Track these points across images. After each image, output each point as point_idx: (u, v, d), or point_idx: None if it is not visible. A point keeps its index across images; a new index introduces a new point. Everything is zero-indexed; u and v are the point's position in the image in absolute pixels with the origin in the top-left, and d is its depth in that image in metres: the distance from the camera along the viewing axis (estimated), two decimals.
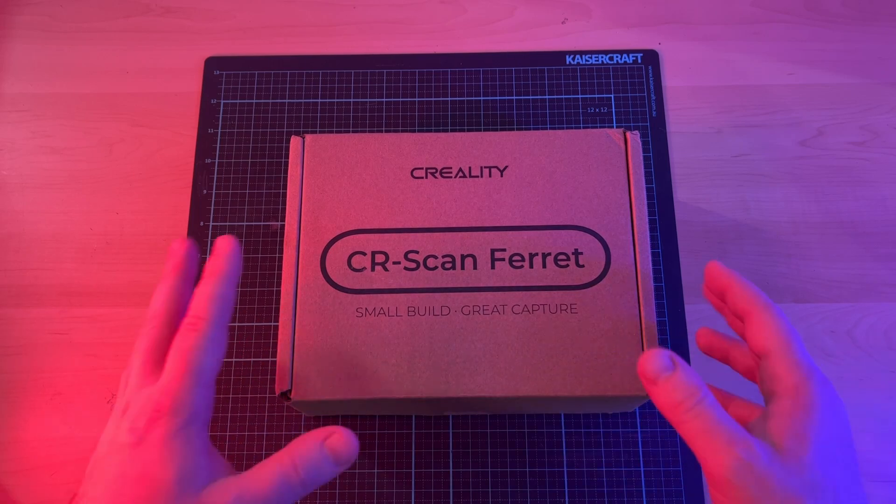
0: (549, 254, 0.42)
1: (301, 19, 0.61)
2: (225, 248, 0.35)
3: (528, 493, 0.47)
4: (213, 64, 0.59)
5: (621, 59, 0.59)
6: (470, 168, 0.44)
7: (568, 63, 0.59)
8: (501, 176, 0.44)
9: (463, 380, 0.39)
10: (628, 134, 0.44)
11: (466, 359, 0.40)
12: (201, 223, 0.54)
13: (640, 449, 0.48)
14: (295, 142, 0.44)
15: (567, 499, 0.47)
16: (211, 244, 0.53)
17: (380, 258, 0.42)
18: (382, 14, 0.61)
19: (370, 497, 0.48)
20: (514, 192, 0.43)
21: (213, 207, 0.55)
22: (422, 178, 0.43)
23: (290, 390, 0.39)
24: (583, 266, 0.41)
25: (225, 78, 0.58)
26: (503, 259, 0.42)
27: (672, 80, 0.58)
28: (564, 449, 0.48)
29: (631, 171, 0.43)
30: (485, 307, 0.41)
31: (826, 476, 0.29)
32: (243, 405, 0.50)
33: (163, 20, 0.61)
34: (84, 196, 0.55)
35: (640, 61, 0.59)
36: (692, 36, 0.60)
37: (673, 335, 0.51)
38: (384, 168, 0.44)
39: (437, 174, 0.44)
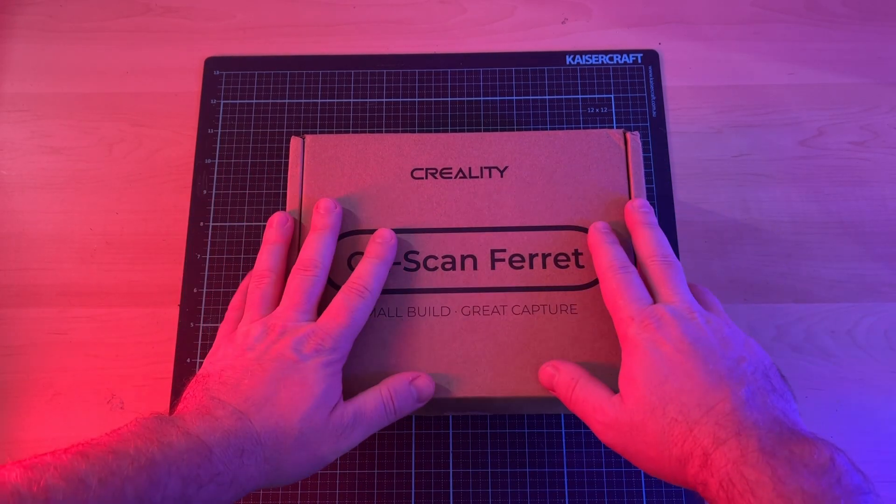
0: (549, 254, 0.42)
1: (301, 19, 0.61)
2: (389, 239, 0.41)
3: (528, 494, 0.47)
4: (212, 64, 0.59)
5: (621, 59, 0.59)
6: (470, 168, 0.44)
7: (568, 63, 0.59)
8: (501, 176, 0.44)
9: (463, 381, 0.40)
10: (628, 134, 0.44)
11: (466, 360, 0.40)
12: (201, 223, 0.54)
13: None
14: (295, 142, 0.45)
15: (567, 499, 0.47)
16: (211, 244, 0.53)
17: None
18: (382, 14, 0.61)
19: (370, 497, 0.48)
20: (514, 193, 0.43)
21: (212, 207, 0.54)
22: (422, 178, 0.44)
23: None
24: (583, 266, 0.42)
25: (225, 78, 0.58)
26: (503, 259, 0.42)
27: (672, 80, 0.58)
28: (564, 449, 0.48)
29: (631, 172, 0.43)
30: (485, 308, 0.41)
31: (654, 398, 0.35)
32: None
33: (163, 20, 0.61)
34: (84, 196, 0.55)
35: (640, 61, 0.59)
36: (692, 36, 0.60)
37: None
38: (384, 169, 0.44)
39: (438, 174, 0.44)
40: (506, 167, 0.44)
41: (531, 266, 0.42)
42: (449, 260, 0.42)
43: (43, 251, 0.54)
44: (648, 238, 0.41)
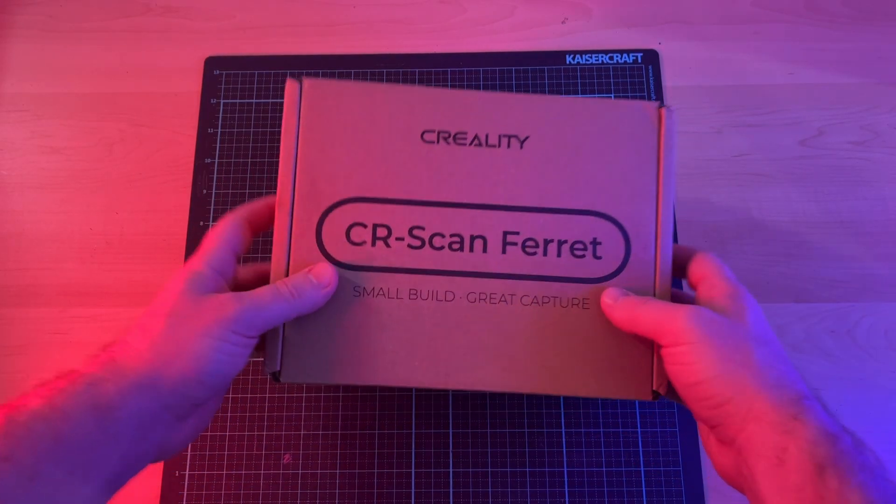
0: (566, 241, 0.39)
1: (301, 19, 0.61)
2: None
3: (528, 494, 0.47)
4: (212, 64, 0.59)
5: (621, 58, 0.59)
6: (487, 135, 0.39)
7: (568, 63, 0.59)
8: (521, 147, 0.39)
9: (462, 373, 0.38)
10: (663, 111, 0.40)
11: (468, 350, 0.38)
12: (201, 223, 0.54)
13: (641, 449, 0.48)
14: (291, 87, 0.39)
15: (567, 499, 0.47)
16: None
17: (381, 232, 0.39)
18: (382, 14, 0.61)
19: (370, 497, 0.48)
20: (533, 168, 0.39)
21: (212, 207, 0.54)
22: (433, 142, 0.39)
23: (279, 372, 0.37)
24: (600, 258, 0.39)
25: (225, 78, 0.58)
26: (516, 244, 0.39)
27: (672, 79, 0.58)
28: (565, 449, 0.48)
29: (662, 155, 0.39)
30: (492, 295, 0.38)
31: (764, 334, 0.34)
32: (243, 405, 0.50)
33: (163, 20, 0.61)
34: (84, 196, 0.55)
35: (640, 61, 0.59)
36: (692, 35, 0.60)
37: None
38: (391, 127, 0.39)
39: (451, 139, 0.39)
40: (527, 137, 0.39)
41: (545, 253, 0.39)
42: (457, 240, 0.39)
43: (43, 251, 0.54)
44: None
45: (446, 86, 0.58)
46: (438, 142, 0.39)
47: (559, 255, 0.39)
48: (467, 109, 0.40)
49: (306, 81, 0.39)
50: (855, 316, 0.52)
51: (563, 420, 0.49)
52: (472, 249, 0.39)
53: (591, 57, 0.59)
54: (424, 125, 0.39)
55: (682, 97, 0.58)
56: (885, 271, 0.53)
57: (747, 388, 0.32)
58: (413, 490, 0.48)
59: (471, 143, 0.39)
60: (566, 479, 0.48)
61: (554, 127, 0.40)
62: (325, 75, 0.58)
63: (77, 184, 0.56)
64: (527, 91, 0.58)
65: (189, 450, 0.49)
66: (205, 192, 0.55)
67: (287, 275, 0.38)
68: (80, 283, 0.53)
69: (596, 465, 0.48)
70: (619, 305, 0.37)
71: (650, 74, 0.58)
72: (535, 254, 0.39)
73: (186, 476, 0.48)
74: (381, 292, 0.38)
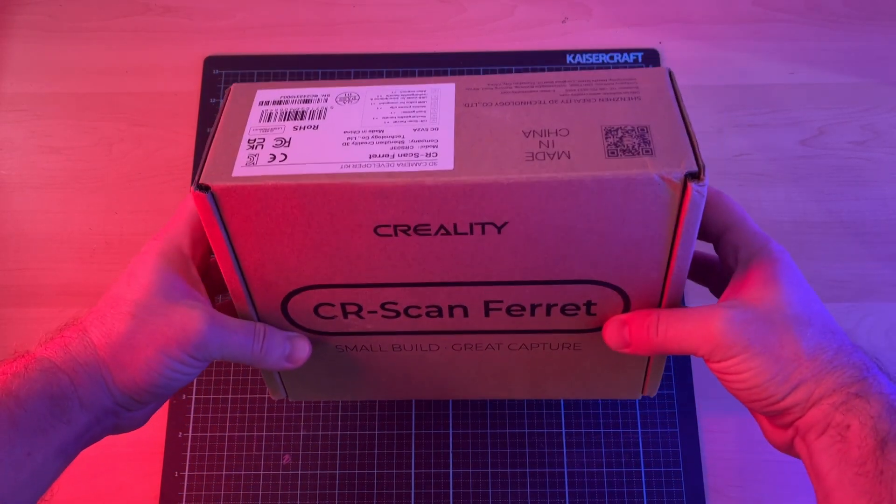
0: (556, 304, 0.34)
1: (301, 18, 0.61)
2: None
3: (528, 494, 0.47)
4: (212, 63, 0.59)
5: (622, 58, 0.59)
6: (455, 225, 0.30)
7: (568, 62, 0.59)
8: (499, 233, 0.30)
9: (459, 391, 0.39)
10: (691, 184, 0.29)
11: (463, 378, 0.38)
12: None
13: (641, 449, 0.48)
14: (199, 198, 0.29)
15: (567, 499, 0.47)
16: None
17: (352, 308, 0.34)
18: (382, 13, 0.61)
19: (370, 497, 0.48)
20: (515, 251, 0.31)
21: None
22: (389, 235, 0.31)
23: (286, 396, 0.41)
24: (594, 315, 0.34)
25: (224, 77, 0.58)
26: (499, 309, 0.34)
27: None
28: (565, 449, 0.48)
29: (681, 229, 0.30)
30: (478, 345, 0.36)
31: (803, 309, 0.31)
32: (243, 405, 0.50)
33: (162, 19, 0.61)
34: (84, 196, 0.55)
35: (640, 61, 0.58)
36: (693, 35, 0.60)
37: None
38: (336, 227, 0.31)
39: (411, 232, 0.31)
40: (504, 223, 0.30)
41: (532, 314, 0.34)
42: (434, 309, 0.34)
43: (43, 251, 0.54)
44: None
45: None
46: (396, 234, 0.31)
47: (548, 314, 0.34)
48: (427, 203, 0.29)
49: (215, 188, 0.29)
50: (856, 316, 0.52)
51: (563, 421, 0.49)
52: (451, 315, 0.34)
53: (591, 56, 0.59)
54: (375, 221, 0.30)
55: (682, 96, 0.57)
56: (886, 271, 0.53)
57: (804, 383, 0.30)
58: (413, 491, 0.48)
59: (436, 234, 0.31)
60: (566, 480, 0.48)
61: (540, 212, 0.30)
62: (324, 75, 0.58)
63: (77, 184, 0.56)
64: None
65: (189, 450, 0.49)
66: None
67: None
68: (79, 283, 0.53)
69: (596, 465, 0.48)
70: (634, 342, 0.34)
71: None
72: (521, 316, 0.34)
73: (186, 476, 0.48)
74: (364, 348, 0.37)
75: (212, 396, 0.50)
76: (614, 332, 0.34)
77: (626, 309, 0.34)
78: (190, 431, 0.49)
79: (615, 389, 0.38)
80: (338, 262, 0.32)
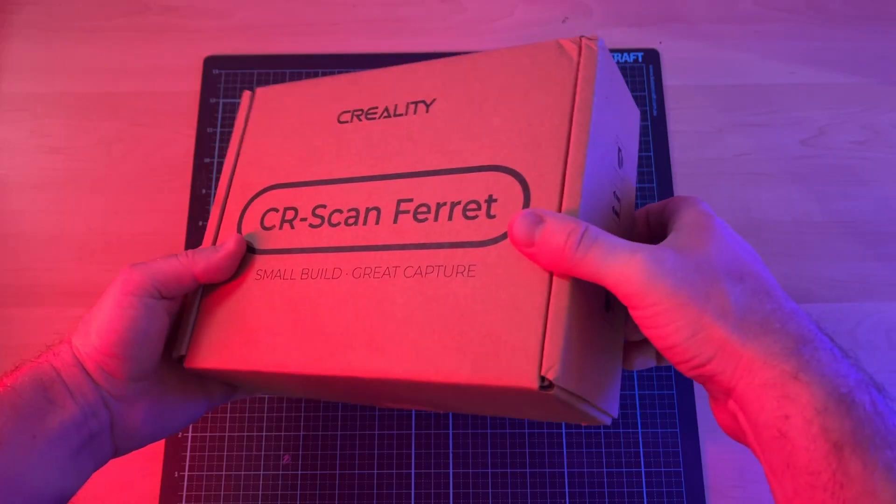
0: (459, 203, 0.34)
1: (301, 18, 0.61)
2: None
3: (528, 494, 0.47)
4: (212, 63, 0.59)
5: (622, 57, 0.58)
6: (396, 106, 0.39)
7: None
8: (427, 111, 0.38)
9: (336, 357, 0.33)
10: (583, 39, 0.34)
11: (346, 332, 0.34)
12: (200, 223, 0.54)
13: (641, 450, 0.48)
14: (245, 97, 0.44)
15: (567, 500, 0.47)
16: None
17: (289, 214, 0.39)
18: (382, 13, 0.61)
19: (370, 497, 0.48)
20: (437, 129, 0.37)
21: (212, 207, 0.54)
22: (347, 122, 0.40)
23: (183, 356, 0.38)
24: (493, 216, 0.33)
25: (224, 77, 0.58)
26: (408, 211, 0.35)
27: (673, 79, 0.58)
28: (565, 450, 0.48)
29: (578, 90, 0.33)
30: (377, 269, 0.35)
31: (738, 264, 0.28)
32: (243, 405, 0.50)
33: (162, 19, 0.61)
34: (84, 196, 0.55)
35: (640, 60, 0.58)
36: (693, 35, 0.60)
37: None
38: (314, 117, 0.41)
39: (363, 116, 0.40)
40: (433, 100, 0.38)
41: (436, 218, 0.34)
42: (353, 214, 0.37)
43: (43, 251, 0.54)
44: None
45: None
46: (352, 120, 0.40)
47: (450, 218, 0.34)
48: (380, 85, 0.40)
49: (259, 90, 0.43)
50: (856, 316, 0.52)
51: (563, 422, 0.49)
52: (365, 222, 0.37)
53: None
54: (342, 107, 0.40)
55: (682, 96, 0.58)
56: (886, 271, 0.53)
57: (727, 344, 0.26)
58: (413, 491, 0.48)
59: (381, 117, 0.39)
60: (566, 480, 0.48)
61: (462, 85, 0.37)
62: (324, 75, 0.58)
63: (77, 184, 0.56)
64: None
65: (189, 450, 0.49)
66: (204, 191, 0.55)
67: None
68: (79, 283, 0.53)
69: (596, 465, 0.48)
70: (541, 245, 0.29)
71: (650, 74, 0.58)
72: (425, 220, 0.35)
73: (186, 476, 0.48)
74: (278, 274, 0.37)
75: None
76: (525, 223, 0.29)
77: (526, 205, 0.32)
78: (190, 431, 0.49)
79: (505, 360, 0.30)
80: (301, 154, 0.40)
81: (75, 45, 0.60)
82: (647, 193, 0.54)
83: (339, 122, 0.40)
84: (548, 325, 0.29)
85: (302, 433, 0.49)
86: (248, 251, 0.39)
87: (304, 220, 0.38)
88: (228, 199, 0.41)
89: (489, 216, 0.33)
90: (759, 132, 0.56)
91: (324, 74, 0.58)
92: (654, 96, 0.57)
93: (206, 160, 0.56)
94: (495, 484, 0.48)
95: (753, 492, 0.47)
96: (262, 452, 0.48)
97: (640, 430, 0.49)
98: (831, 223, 0.54)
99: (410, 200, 0.36)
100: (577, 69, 0.34)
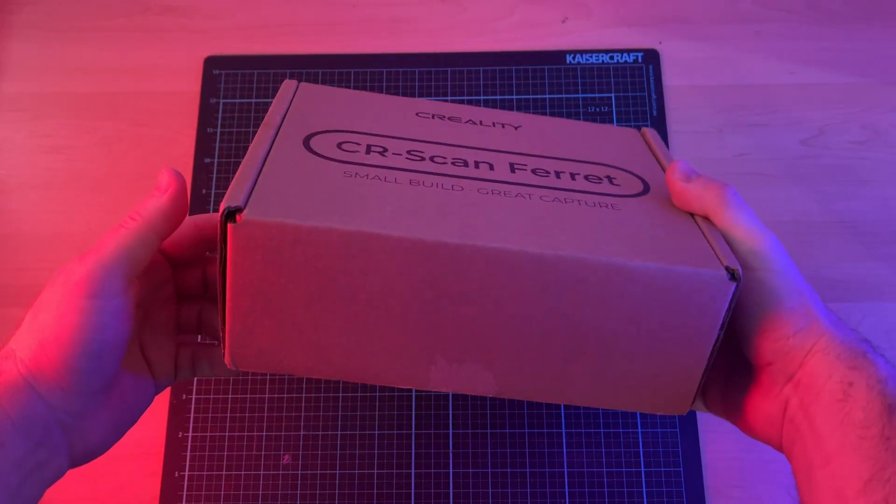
0: (578, 173, 0.35)
1: (301, 18, 0.61)
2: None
3: (528, 494, 0.47)
4: (212, 63, 0.59)
5: (622, 58, 0.59)
6: (481, 120, 0.40)
7: (568, 62, 0.59)
8: (516, 129, 0.40)
9: (482, 231, 0.28)
10: (646, 130, 0.43)
11: (485, 223, 0.28)
12: None
13: (641, 449, 0.48)
14: (287, 84, 0.39)
15: (567, 499, 0.47)
16: None
17: (377, 149, 0.33)
18: (382, 13, 0.61)
19: (370, 497, 0.48)
20: (531, 140, 0.39)
21: (212, 207, 0.54)
22: (427, 117, 0.39)
23: (241, 207, 0.26)
24: (618, 185, 0.35)
25: (224, 77, 0.58)
26: (525, 167, 0.34)
27: (673, 79, 0.58)
28: (565, 449, 0.48)
29: (658, 154, 0.41)
30: (507, 191, 0.31)
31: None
32: (243, 405, 0.50)
33: (162, 19, 0.61)
34: (84, 196, 0.55)
35: (640, 60, 0.58)
36: (693, 35, 0.60)
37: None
38: (385, 111, 0.39)
39: (445, 119, 0.39)
40: (520, 125, 0.40)
41: (558, 177, 0.34)
42: (460, 160, 0.34)
43: (43, 251, 0.54)
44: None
45: (446, 85, 0.58)
46: (433, 118, 0.39)
47: (573, 179, 0.34)
48: (457, 111, 0.41)
49: (303, 84, 0.40)
50: (856, 316, 0.52)
51: (563, 421, 0.49)
52: (478, 167, 0.33)
53: (591, 56, 0.59)
54: (416, 109, 0.40)
55: (682, 96, 0.58)
56: (886, 271, 0.53)
57: (818, 322, 0.30)
58: (413, 491, 0.48)
59: (465, 122, 0.39)
60: (566, 480, 0.48)
61: (544, 123, 0.42)
62: (325, 75, 0.58)
63: (77, 184, 0.56)
64: (527, 91, 0.57)
65: (189, 450, 0.49)
66: (204, 191, 0.55)
67: (262, 166, 0.30)
68: None
69: (596, 465, 0.48)
70: (699, 183, 0.33)
71: (650, 74, 0.58)
72: (546, 177, 0.34)
73: (186, 476, 0.48)
74: (376, 177, 0.31)
75: (212, 396, 0.50)
76: (685, 166, 0.34)
77: (646, 185, 0.36)
78: (190, 431, 0.49)
79: (681, 252, 0.29)
80: (377, 123, 0.36)
81: (75, 45, 0.60)
82: None
83: (418, 115, 0.39)
84: (709, 238, 0.31)
85: (302, 433, 0.49)
86: (325, 158, 0.31)
87: (397, 154, 0.33)
88: (283, 125, 0.34)
89: (613, 184, 0.35)
90: (759, 132, 0.56)
91: (324, 74, 0.58)
92: (654, 96, 0.57)
93: (207, 160, 0.56)
94: (495, 484, 0.48)
95: (753, 492, 0.47)
96: (262, 452, 0.48)
97: (640, 430, 0.49)
98: (831, 223, 0.54)
99: (524, 166, 0.35)
100: (652, 148, 0.41)
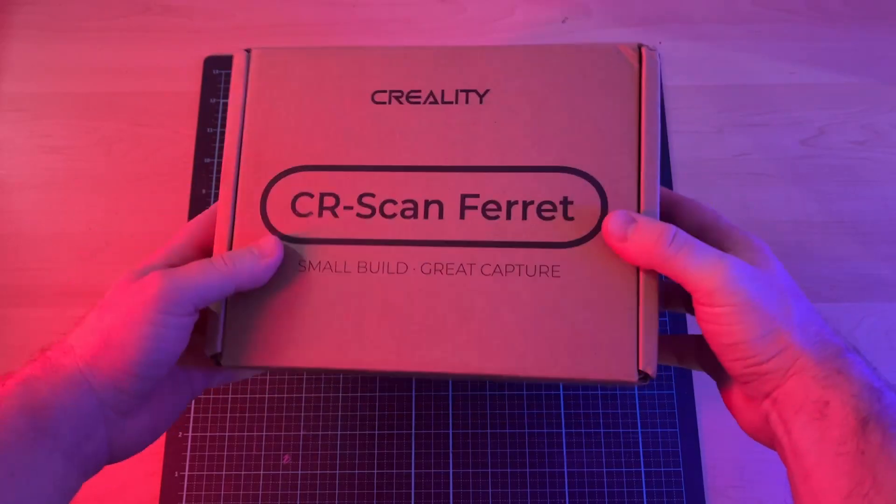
0: (532, 202, 0.34)
1: (301, 19, 0.61)
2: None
3: (528, 494, 0.47)
4: (212, 63, 0.59)
5: None
6: (443, 92, 0.36)
7: None
8: (480, 102, 0.36)
9: (417, 353, 0.33)
10: (644, 49, 0.35)
11: (423, 328, 0.34)
12: None
13: (641, 449, 0.48)
14: (238, 58, 0.37)
15: (567, 499, 0.47)
16: None
17: (329, 201, 0.36)
18: (382, 13, 0.61)
19: (370, 497, 0.48)
20: (494, 124, 0.35)
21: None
22: (384, 103, 0.36)
23: (220, 354, 0.34)
24: (572, 219, 0.34)
25: (224, 77, 0.58)
26: (475, 207, 0.35)
27: (672, 79, 0.58)
28: (565, 449, 0.48)
29: (644, 99, 0.35)
30: (449, 266, 0.34)
31: (794, 286, 0.33)
32: (243, 405, 0.50)
33: (162, 19, 0.61)
34: (84, 196, 0.55)
35: None
36: (693, 35, 0.60)
37: (673, 329, 0.51)
38: (340, 91, 0.37)
39: (403, 98, 0.36)
40: (486, 91, 0.36)
41: (508, 217, 0.34)
42: (410, 206, 0.35)
43: (43, 251, 0.54)
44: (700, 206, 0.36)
45: None
46: (390, 102, 0.36)
47: (524, 217, 0.34)
48: (421, 65, 0.37)
49: (254, 52, 0.38)
50: (855, 316, 0.52)
51: (563, 421, 0.49)
52: (426, 216, 0.35)
53: None
54: (375, 86, 0.37)
55: (682, 97, 0.58)
56: (886, 271, 0.53)
57: (791, 346, 0.30)
58: (413, 491, 0.48)
59: (425, 102, 0.36)
60: (566, 480, 0.48)
61: (517, 78, 0.36)
62: None
63: (77, 184, 0.56)
64: None
65: (189, 450, 0.49)
66: (204, 191, 0.55)
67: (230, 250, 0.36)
68: (79, 283, 0.53)
69: (596, 465, 0.48)
70: (634, 240, 0.32)
71: None
72: (496, 218, 0.34)
73: (186, 476, 0.48)
74: (327, 266, 0.35)
75: (212, 396, 0.50)
76: (621, 220, 0.32)
77: (604, 208, 0.34)
78: (190, 431, 0.49)
79: (603, 355, 0.32)
80: (331, 134, 0.36)
81: (75, 45, 0.60)
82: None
83: (374, 101, 0.36)
84: (640, 322, 0.33)
85: (302, 433, 0.49)
86: (284, 239, 0.35)
87: (348, 208, 0.35)
88: (241, 178, 0.36)
89: (567, 218, 0.34)
90: (759, 132, 0.56)
91: None
92: None
93: (207, 160, 0.56)
94: (495, 484, 0.48)
95: (753, 492, 0.47)
96: (262, 452, 0.48)
97: (639, 430, 0.49)
98: (831, 223, 0.54)
99: (476, 196, 0.35)
100: (641, 78, 0.35)
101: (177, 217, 0.54)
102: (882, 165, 0.55)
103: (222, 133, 0.56)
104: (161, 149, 0.56)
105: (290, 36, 0.60)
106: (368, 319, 0.34)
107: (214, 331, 0.35)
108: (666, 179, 0.55)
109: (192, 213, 0.54)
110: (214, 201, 0.54)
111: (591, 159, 0.34)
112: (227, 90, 0.58)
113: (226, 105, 0.57)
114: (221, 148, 0.56)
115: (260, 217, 0.36)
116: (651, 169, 0.34)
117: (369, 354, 0.34)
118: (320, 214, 0.36)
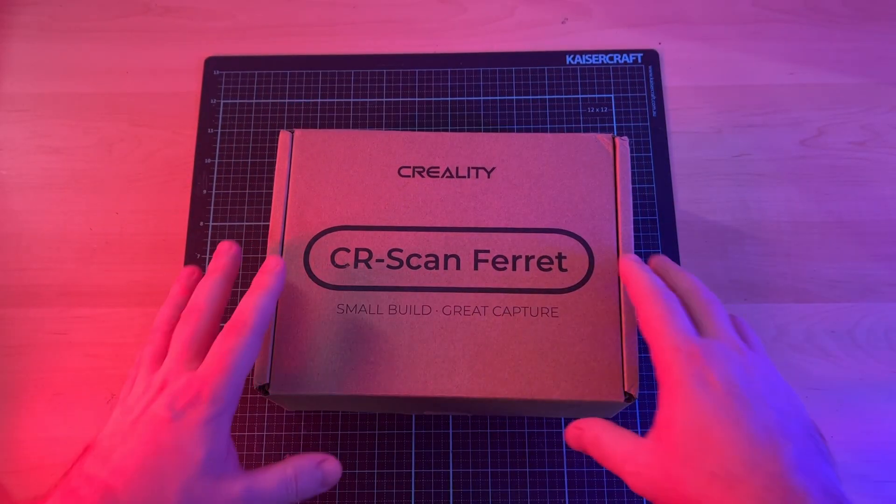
0: (533, 257, 0.42)
1: (301, 19, 0.61)
2: (275, 267, 0.38)
3: (528, 494, 0.47)
4: (212, 64, 0.59)
5: (621, 58, 0.59)
6: (457, 168, 0.44)
7: (568, 63, 0.59)
8: (489, 177, 0.44)
9: (440, 380, 0.40)
10: (617, 139, 0.44)
11: (445, 359, 0.40)
12: (201, 223, 0.54)
13: None
14: (284, 136, 0.45)
15: (567, 499, 0.47)
16: (211, 244, 0.53)
17: (363, 255, 0.42)
18: (382, 14, 0.61)
19: (370, 497, 0.48)
20: (500, 194, 0.44)
21: (212, 207, 0.54)
22: (409, 176, 0.44)
23: (268, 384, 0.40)
24: (566, 270, 0.42)
25: (225, 78, 0.58)
26: (486, 260, 0.42)
27: (672, 79, 0.58)
28: (565, 449, 0.48)
29: (618, 177, 0.44)
30: (465, 308, 0.41)
31: (699, 446, 0.31)
32: (243, 405, 0.50)
33: (162, 20, 0.61)
34: (84, 196, 0.55)
35: (640, 61, 0.59)
36: (692, 35, 0.60)
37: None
38: (372, 165, 0.44)
39: (425, 173, 0.44)
40: (493, 168, 0.44)
41: (514, 268, 0.42)
42: (432, 259, 0.42)
43: (43, 251, 0.54)
44: (683, 276, 0.40)
45: (446, 86, 0.58)
46: (414, 175, 0.44)
47: (527, 268, 0.42)
48: (439, 147, 0.45)
49: (297, 132, 0.45)
50: (855, 316, 0.52)
51: (563, 421, 0.49)
52: (446, 267, 0.42)
53: (591, 57, 0.59)
54: (401, 162, 0.44)
55: (682, 97, 0.58)
56: (886, 271, 0.53)
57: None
58: (413, 490, 0.48)
59: (443, 176, 0.44)
60: (566, 480, 0.48)
61: (518, 159, 0.44)
62: (325, 75, 0.58)
63: (77, 184, 0.56)
64: (526, 91, 0.58)
65: None
66: (205, 192, 0.55)
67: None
68: (80, 283, 0.53)
69: (596, 465, 0.48)
70: (585, 443, 0.37)
71: (650, 74, 0.58)
72: (504, 269, 0.42)
73: None
74: (363, 308, 0.41)
75: None
76: (573, 434, 0.38)
77: (591, 263, 0.42)
78: None
79: (595, 380, 0.39)
80: (365, 201, 0.43)
81: (75, 45, 0.60)
82: (646, 194, 0.54)
83: (400, 175, 0.44)
84: (624, 352, 0.40)
85: (302, 433, 0.49)
86: (324, 286, 0.41)
87: (380, 261, 0.42)
88: (286, 235, 0.43)
89: (562, 269, 0.42)
90: (759, 132, 0.56)
91: (324, 75, 0.58)
92: (653, 97, 0.57)
93: (207, 161, 0.56)
94: (495, 484, 0.48)
95: None
96: (263, 452, 0.49)
97: (639, 430, 0.49)
98: (831, 223, 0.54)
99: (487, 251, 0.42)
100: (616, 161, 0.44)
101: (177, 217, 0.54)
102: (881, 166, 0.55)
103: (223, 133, 0.57)
104: (161, 149, 0.57)
105: (291, 36, 0.60)
106: (398, 353, 0.40)
107: (263, 364, 0.40)
108: (666, 180, 0.55)
109: (193, 213, 0.54)
110: (216, 202, 0.54)
111: (580, 223, 0.43)
112: (227, 91, 0.58)
113: (226, 105, 0.57)
114: (222, 148, 0.56)
115: (304, 268, 0.42)
116: (626, 229, 0.42)
117: (398, 383, 0.40)
118: (356, 266, 0.42)
